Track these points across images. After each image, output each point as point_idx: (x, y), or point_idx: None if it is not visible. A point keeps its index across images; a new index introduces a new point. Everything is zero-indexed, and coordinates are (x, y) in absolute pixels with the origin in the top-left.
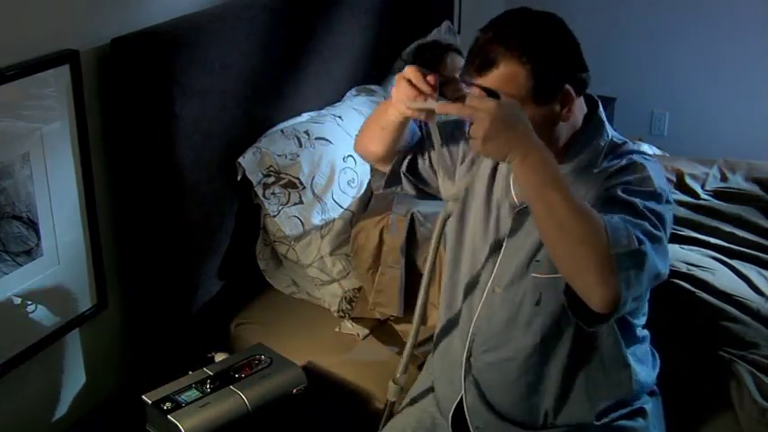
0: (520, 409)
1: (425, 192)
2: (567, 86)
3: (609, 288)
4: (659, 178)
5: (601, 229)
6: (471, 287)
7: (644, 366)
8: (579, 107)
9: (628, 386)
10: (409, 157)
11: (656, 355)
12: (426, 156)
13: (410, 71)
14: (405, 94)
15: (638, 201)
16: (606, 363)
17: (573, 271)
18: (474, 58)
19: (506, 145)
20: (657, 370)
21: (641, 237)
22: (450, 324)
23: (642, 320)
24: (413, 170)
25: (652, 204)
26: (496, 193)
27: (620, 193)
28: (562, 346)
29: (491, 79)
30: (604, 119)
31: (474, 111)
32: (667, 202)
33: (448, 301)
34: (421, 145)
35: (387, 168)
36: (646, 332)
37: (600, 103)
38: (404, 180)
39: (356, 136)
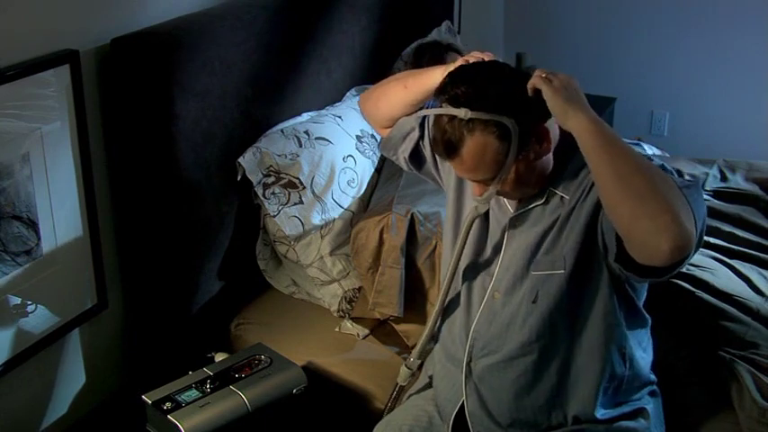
0: (520, 411)
1: (416, 171)
2: (536, 123)
3: (681, 224)
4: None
5: (660, 169)
6: (471, 294)
7: (644, 354)
8: (551, 125)
9: (627, 375)
10: (413, 144)
11: (651, 340)
12: (427, 140)
13: None
14: None
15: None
16: (604, 354)
17: (645, 214)
18: (437, 143)
19: (578, 106)
20: (652, 356)
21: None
22: (451, 329)
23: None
24: (414, 153)
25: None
26: (492, 203)
27: None
28: (558, 341)
29: (465, 158)
30: None
31: (549, 74)
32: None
33: (449, 306)
34: (423, 129)
35: (383, 132)
36: (648, 317)
37: None
38: (401, 157)
39: (364, 93)
